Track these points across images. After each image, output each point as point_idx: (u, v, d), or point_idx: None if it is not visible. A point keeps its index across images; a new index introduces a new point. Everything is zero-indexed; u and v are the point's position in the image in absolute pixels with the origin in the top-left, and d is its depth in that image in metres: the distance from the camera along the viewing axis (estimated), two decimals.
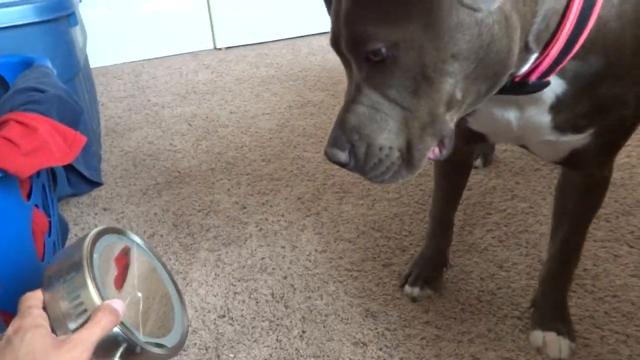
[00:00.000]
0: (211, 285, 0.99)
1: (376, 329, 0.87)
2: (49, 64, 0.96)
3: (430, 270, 0.95)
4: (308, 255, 1.06)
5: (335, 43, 0.54)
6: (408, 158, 0.54)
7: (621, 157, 1.34)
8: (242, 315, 0.92)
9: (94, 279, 0.53)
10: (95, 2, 2.25)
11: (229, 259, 1.06)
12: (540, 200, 1.19)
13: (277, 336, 0.87)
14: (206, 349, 0.86)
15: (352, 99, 0.53)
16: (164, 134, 1.64)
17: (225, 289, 0.98)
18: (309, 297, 0.95)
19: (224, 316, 0.92)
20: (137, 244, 0.66)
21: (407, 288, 0.94)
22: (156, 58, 2.45)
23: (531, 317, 0.86)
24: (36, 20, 1.10)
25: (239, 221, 1.18)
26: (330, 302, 0.94)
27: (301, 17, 2.61)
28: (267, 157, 1.45)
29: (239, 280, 1.00)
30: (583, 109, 0.59)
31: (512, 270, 0.98)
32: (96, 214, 1.24)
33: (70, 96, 0.82)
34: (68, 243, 1.12)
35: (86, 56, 1.54)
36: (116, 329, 0.51)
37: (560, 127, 0.62)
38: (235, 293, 0.97)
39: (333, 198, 1.25)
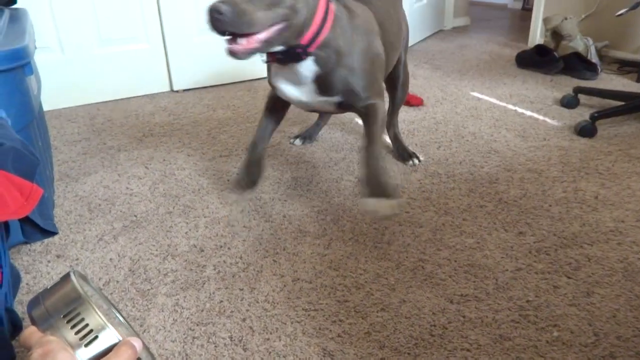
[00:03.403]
0: (169, 331, 0.99)
1: None
2: (4, 114, 0.97)
3: (248, 178, 1.35)
4: (266, 297, 1.08)
5: None
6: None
7: (558, 193, 1.44)
8: None
9: (97, 308, 0.59)
10: (50, 46, 2.25)
11: (187, 304, 1.07)
12: (486, 235, 1.26)
13: None
14: None
15: None
16: (119, 177, 1.64)
17: (184, 334, 0.98)
18: (268, 339, 0.96)
19: None
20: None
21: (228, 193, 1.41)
22: (112, 100, 2.45)
23: (360, 193, 1.23)
24: None
25: (196, 264, 1.19)
26: (289, 343, 0.95)
27: (257, 60, 2.68)
28: (225, 199, 1.48)
29: (197, 325, 1.01)
30: (331, 82, 1.17)
31: (462, 304, 1.03)
32: (49, 261, 1.22)
33: (26, 148, 0.83)
34: (20, 293, 1.10)
35: (40, 102, 1.54)
36: None
37: (321, 92, 1.19)
38: (194, 338, 0.98)
39: (290, 238, 1.27)
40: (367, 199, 1.11)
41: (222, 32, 0.97)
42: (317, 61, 1.14)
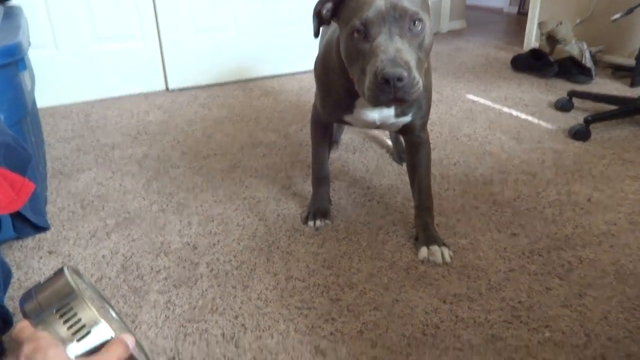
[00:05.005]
0: (161, 328, 0.99)
1: None
2: None
3: (322, 208, 1.34)
4: (259, 295, 1.07)
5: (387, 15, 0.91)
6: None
7: (552, 195, 1.44)
8: (192, 357, 0.92)
9: (91, 303, 0.59)
10: (44, 42, 2.24)
11: (180, 301, 1.06)
12: (480, 236, 1.26)
13: None
14: None
15: (398, 47, 0.89)
16: (113, 175, 1.63)
17: (176, 331, 0.98)
18: (260, 337, 0.96)
19: (173, 358, 0.92)
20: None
21: (310, 223, 1.31)
22: (106, 98, 2.44)
23: (416, 245, 1.22)
24: None
25: (189, 262, 1.19)
26: (281, 340, 0.95)
27: (253, 61, 2.68)
28: (218, 197, 1.47)
29: (189, 322, 1.00)
30: (411, 105, 1.14)
31: (455, 304, 1.03)
32: (41, 257, 1.21)
33: (18, 143, 0.83)
34: (11, 289, 1.09)
35: (33, 98, 1.53)
36: None
37: (398, 115, 1.16)
38: (186, 334, 0.97)
39: (284, 237, 1.27)
40: (422, 247, 1.19)
41: (389, 100, 0.91)
42: None
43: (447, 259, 1.16)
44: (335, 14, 1.03)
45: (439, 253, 1.16)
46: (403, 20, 0.91)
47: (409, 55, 0.90)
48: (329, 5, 1.02)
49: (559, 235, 1.26)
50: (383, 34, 0.91)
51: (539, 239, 1.25)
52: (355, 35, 0.93)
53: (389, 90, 0.88)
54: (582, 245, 1.22)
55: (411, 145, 1.26)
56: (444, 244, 1.19)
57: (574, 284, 1.09)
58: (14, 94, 1.20)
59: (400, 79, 0.87)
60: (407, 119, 1.18)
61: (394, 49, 0.89)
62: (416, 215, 1.26)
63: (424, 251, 1.18)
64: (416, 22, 0.92)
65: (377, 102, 0.92)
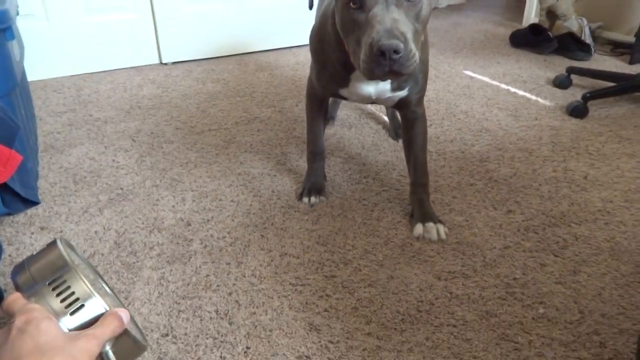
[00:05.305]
0: (154, 304, 0.98)
1: (320, 341, 0.89)
2: None
3: (317, 184, 1.32)
4: (253, 271, 1.07)
5: None
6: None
7: (548, 172, 1.43)
8: (185, 334, 0.91)
9: (84, 277, 0.57)
10: (34, 14, 2.18)
11: (173, 277, 1.05)
12: (475, 213, 1.25)
13: (222, 353, 0.87)
14: None
15: (395, 18, 0.87)
16: (106, 150, 1.61)
17: (169, 307, 0.98)
18: (254, 313, 0.96)
19: (167, 335, 0.91)
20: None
21: (305, 199, 1.30)
22: (99, 72, 2.39)
23: (411, 221, 1.21)
24: None
25: (183, 238, 1.18)
26: (275, 317, 0.95)
27: (248, 34, 2.63)
28: (213, 173, 1.46)
29: (183, 298, 1.00)
30: (406, 79, 1.12)
31: (449, 280, 1.03)
32: (32, 233, 1.20)
33: (5, 113, 0.80)
34: (2, 264, 1.08)
35: (23, 70, 1.50)
36: None
37: (394, 89, 1.14)
38: (179, 311, 0.97)
39: (279, 213, 1.26)
40: (417, 224, 1.19)
41: (385, 73, 0.88)
42: None
43: (443, 235, 1.16)
44: None
45: (434, 230, 1.16)
46: None
47: (406, 27, 0.88)
48: None
49: (554, 213, 1.26)
50: (379, 4, 0.88)
51: (535, 216, 1.24)
52: (351, 5, 0.90)
53: (384, 62, 0.86)
54: (578, 223, 1.22)
55: (407, 121, 1.24)
56: (440, 221, 1.18)
57: (569, 260, 1.09)
58: (1, 64, 1.17)
59: (396, 51, 0.84)
60: (403, 93, 1.16)
61: (390, 20, 0.86)
62: (412, 192, 1.25)
63: (419, 228, 1.17)
64: None
65: (372, 74, 0.89)
